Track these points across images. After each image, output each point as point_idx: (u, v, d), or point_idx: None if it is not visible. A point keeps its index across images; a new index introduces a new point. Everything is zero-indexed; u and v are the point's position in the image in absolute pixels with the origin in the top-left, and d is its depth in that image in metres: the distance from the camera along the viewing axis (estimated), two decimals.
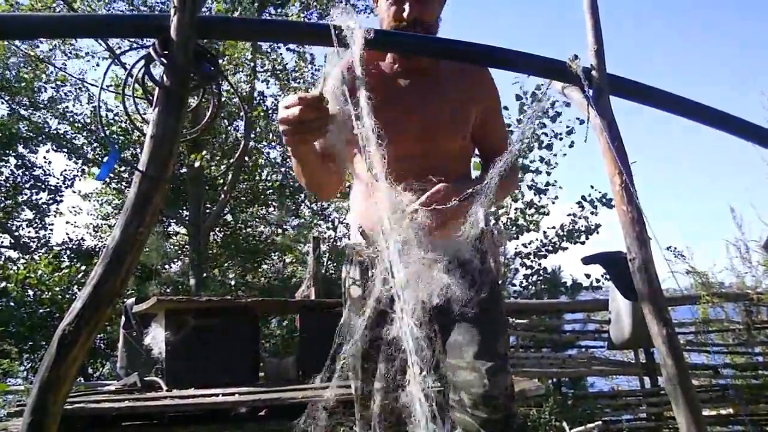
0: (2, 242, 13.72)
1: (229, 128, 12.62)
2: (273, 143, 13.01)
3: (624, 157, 1.72)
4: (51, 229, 14.14)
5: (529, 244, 8.89)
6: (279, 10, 11.83)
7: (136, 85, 1.50)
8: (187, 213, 12.80)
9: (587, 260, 4.29)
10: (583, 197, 8.81)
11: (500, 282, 1.93)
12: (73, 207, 14.85)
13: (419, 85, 1.84)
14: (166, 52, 1.42)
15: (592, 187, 8.70)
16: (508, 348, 1.76)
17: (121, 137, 12.34)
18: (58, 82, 13.50)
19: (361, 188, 1.86)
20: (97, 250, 12.99)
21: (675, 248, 4.96)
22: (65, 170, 14.27)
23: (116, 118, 12.45)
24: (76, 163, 14.11)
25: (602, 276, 8.43)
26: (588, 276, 8.87)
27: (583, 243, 8.91)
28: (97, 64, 13.20)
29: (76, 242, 13.67)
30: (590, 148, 1.90)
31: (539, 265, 8.91)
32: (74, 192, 14.48)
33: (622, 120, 1.75)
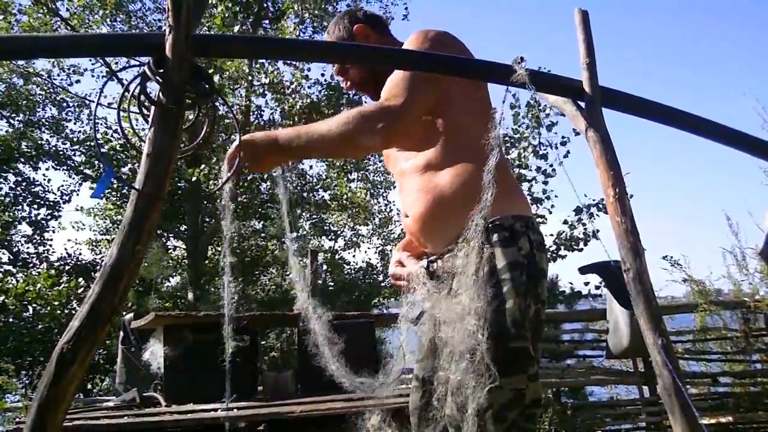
0: (1, 258, 13.66)
1: (227, 142, 12.62)
2: None
3: (617, 169, 1.74)
4: (50, 245, 14.05)
5: None
6: (274, 25, 11.91)
7: (134, 102, 1.51)
8: (186, 227, 12.78)
9: (584, 270, 4.30)
10: (578, 207, 8.81)
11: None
12: (76, 222, 14.79)
13: None
14: (162, 70, 1.43)
15: (586, 195, 8.68)
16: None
17: (121, 153, 12.34)
18: (58, 98, 13.53)
19: None
20: (96, 265, 12.95)
21: (671, 257, 4.96)
22: (62, 185, 14.21)
23: (115, 134, 12.46)
24: (74, 179, 14.10)
25: (600, 284, 8.40)
26: (587, 284, 8.85)
27: (581, 250, 8.90)
28: (97, 81, 13.27)
29: (75, 257, 13.61)
30: (587, 157, 1.90)
31: None
32: (77, 209, 14.53)
33: (612, 124, 1.76)
